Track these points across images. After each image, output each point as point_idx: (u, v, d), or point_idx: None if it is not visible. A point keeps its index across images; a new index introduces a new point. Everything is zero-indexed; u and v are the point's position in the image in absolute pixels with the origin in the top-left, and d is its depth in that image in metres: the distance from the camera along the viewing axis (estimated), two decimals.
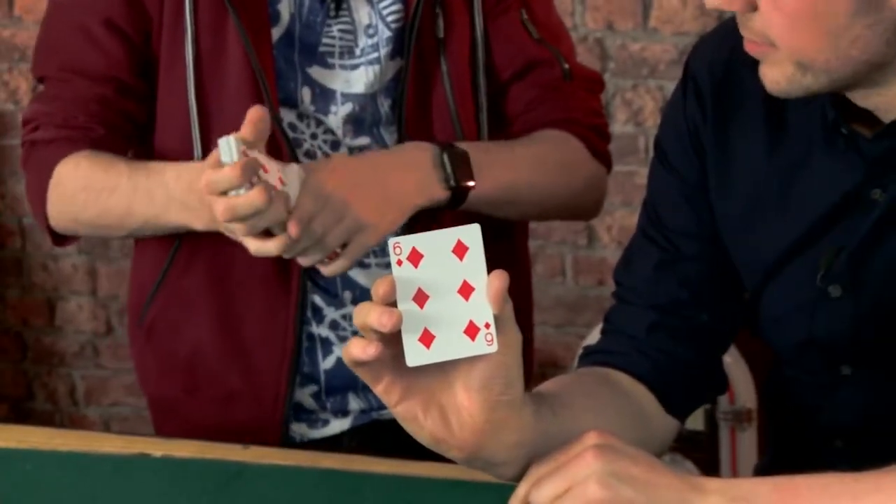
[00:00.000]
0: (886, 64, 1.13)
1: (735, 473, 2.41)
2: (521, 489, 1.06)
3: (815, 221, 1.23)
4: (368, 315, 1.00)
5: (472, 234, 1.01)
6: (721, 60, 1.28)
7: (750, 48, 1.16)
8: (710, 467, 2.39)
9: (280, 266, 1.53)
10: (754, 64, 1.16)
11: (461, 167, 1.49)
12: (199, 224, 1.48)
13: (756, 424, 2.37)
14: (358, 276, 1.57)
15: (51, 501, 1.25)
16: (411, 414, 1.06)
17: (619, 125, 2.84)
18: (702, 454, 2.40)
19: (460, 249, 1.01)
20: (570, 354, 2.86)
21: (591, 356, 1.32)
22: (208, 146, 1.52)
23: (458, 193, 1.50)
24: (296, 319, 1.55)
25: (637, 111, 2.85)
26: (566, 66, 1.63)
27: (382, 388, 1.04)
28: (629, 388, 1.28)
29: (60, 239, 1.62)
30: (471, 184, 1.49)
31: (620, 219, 2.90)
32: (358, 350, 1.01)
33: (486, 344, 1.01)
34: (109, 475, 1.30)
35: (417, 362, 1.00)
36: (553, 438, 1.11)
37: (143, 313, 1.62)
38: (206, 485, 1.27)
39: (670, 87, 2.84)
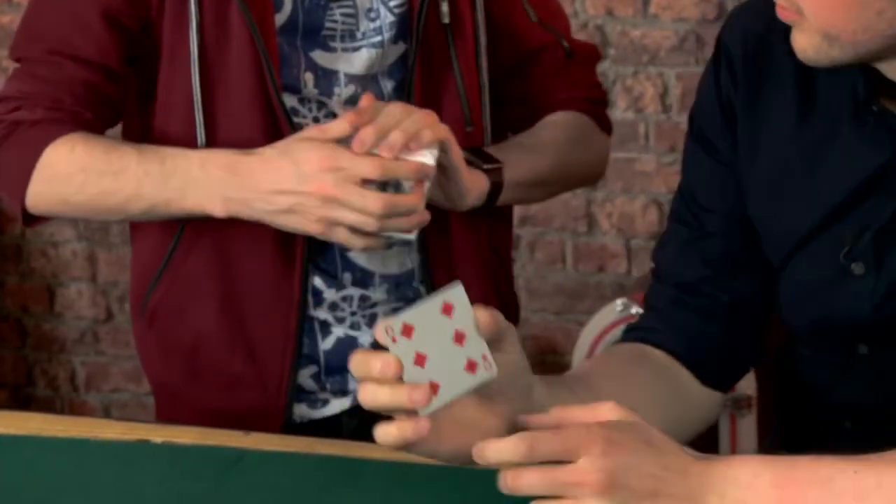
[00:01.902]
0: None
1: None
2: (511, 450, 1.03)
3: (841, 198, 1.23)
4: (394, 398, 1.03)
5: (457, 293, 1.04)
6: (755, 33, 1.28)
7: (781, 14, 1.16)
8: (709, 453, 2.39)
9: (284, 250, 1.53)
10: (787, 38, 1.17)
11: (487, 158, 1.55)
12: (218, 210, 1.47)
13: (756, 411, 2.37)
14: (358, 258, 1.57)
15: (51, 488, 1.25)
16: (431, 448, 1.07)
17: (619, 112, 2.84)
18: (701, 440, 2.41)
19: (448, 309, 1.04)
20: (570, 341, 2.87)
21: (630, 332, 1.35)
22: (212, 133, 1.52)
23: (495, 186, 1.55)
24: (299, 303, 1.55)
25: (637, 98, 2.85)
26: (566, 45, 1.67)
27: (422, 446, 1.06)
28: (665, 363, 1.31)
29: (31, 220, 1.59)
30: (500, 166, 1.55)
31: (620, 205, 2.90)
32: (409, 432, 1.03)
33: (485, 371, 1.04)
34: (110, 461, 1.30)
35: (428, 411, 1.03)
36: None
37: (145, 299, 1.62)
38: (206, 471, 1.27)
39: (671, 73, 2.85)
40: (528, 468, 1.01)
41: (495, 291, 1.68)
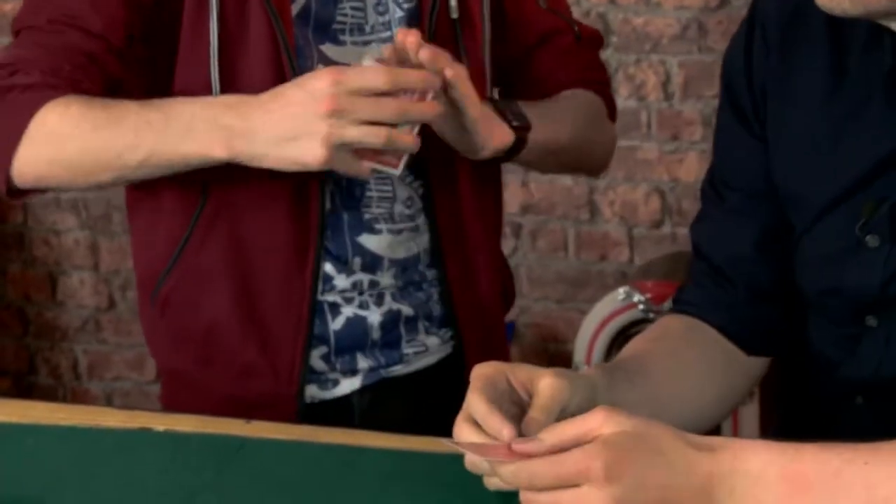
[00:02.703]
0: None
1: None
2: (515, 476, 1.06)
3: (863, 171, 1.23)
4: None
5: None
6: (789, 1, 1.29)
7: None
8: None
9: (298, 238, 1.54)
10: (823, 11, 1.18)
11: (518, 115, 1.55)
12: (219, 149, 1.42)
13: (758, 399, 2.38)
14: (368, 241, 1.58)
15: (53, 476, 1.25)
16: None
17: (621, 100, 2.83)
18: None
19: None
20: (572, 330, 2.87)
21: (676, 304, 1.39)
22: None
23: (519, 140, 1.55)
24: (311, 288, 1.56)
25: (639, 86, 2.85)
26: (577, 29, 1.70)
27: None
28: (712, 335, 1.35)
29: (16, 192, 1.53)
30: (529, 127, 1.55)
31: (622, 193, 2.90)
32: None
33: None
34: (112, 450, 1.30)
35: None
36: (632, 408, 1.13)
37: (157, 288, 1.61)
38: (208, 459, 1.27)
39: (673, 61, 2.85)
40: (540, 495, 1.03)
41: (501, 270, 1.72)
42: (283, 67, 1.49)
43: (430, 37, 1.55)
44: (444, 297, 1.64)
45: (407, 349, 1.63)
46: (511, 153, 1.55)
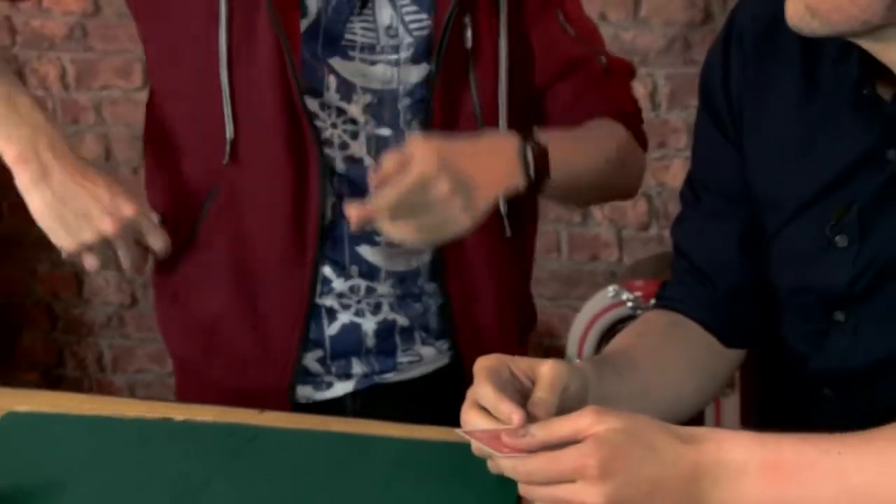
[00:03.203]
0: (888, 26, 1.14)
1: None
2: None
3: (832, 175, 1.23)
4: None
5: None
6: (765, 15, 1.29)
7: None
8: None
9: (298, 239, 1.52)
10: None
11: (541, 160, 1.46)
12: (18, 179, 1.48)
13: (739, 391, 2.37)
14: (366, 252, 1.56)
15: (79, 463, 1.25)
16: None
17: None
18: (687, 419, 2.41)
19: None
20: (565, 325, 2.87)
21: (659, 300, 1.39)
22: (238, 123, 1.50)
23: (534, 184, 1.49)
24: (309, 291, 1.54)
25: None
26: (604, 59, 1.61)
27: None
28: (693, 328, 1.35)
29: None
30: (548, 178, 1.47)
31: None
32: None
33: None
34: (134, 438, 1.30)
35: None
36: (620, 398, 1.17)
37: (168, 281, 1.62)
38: (224, 447, 1.27)
39: (660, 74, 2.85)
40: (537, 488, 1.04)
41: (511, 293, 1.64)
42: (290, 82, 1.48)
43: (438, 66, 1.50)
44: (444, 310, 1.59)
45: (402, 358, 1.60)
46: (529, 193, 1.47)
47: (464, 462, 1.13)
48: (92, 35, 3.02)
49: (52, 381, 3.26)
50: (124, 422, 1.33)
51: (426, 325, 1.60)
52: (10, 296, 3.24)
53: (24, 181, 1.47)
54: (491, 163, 1.42)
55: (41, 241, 3.31)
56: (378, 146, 1.53)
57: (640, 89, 2.83)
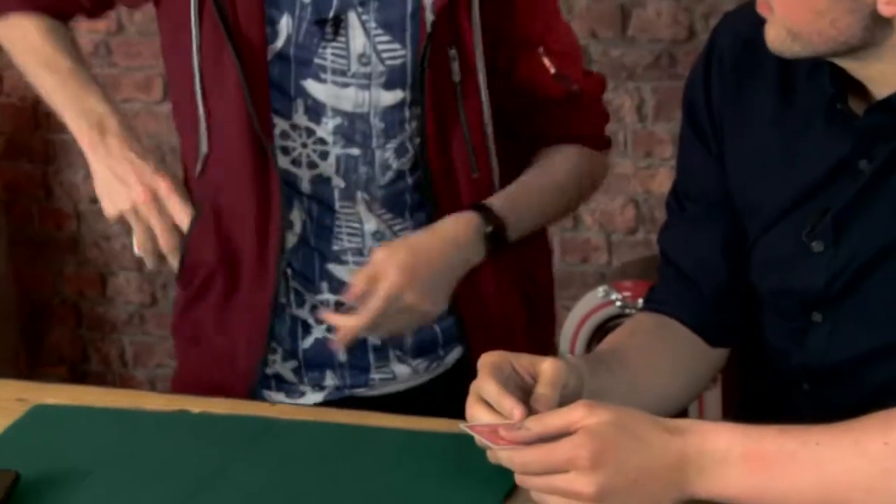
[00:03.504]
0: (864, 47, 1.14)
1: None
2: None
3: (808, 184, 1.23)
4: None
5: None
6: (744, 35, 1.29)
7: (759, 8, 1.18)
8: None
9: (261, 254, 1.50)
10: None
11: (500, 233, 1.48)
12: (82, 144, 1.53)
13: (720, 385, 2.37)
14: (335, 269, 1.53)
15: (102, 452, 1.25)
16: None
17: None
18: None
19: None
20: (558, 323, 2.86)
21: (647, 303, 1.39)
22: (212, 144, 1.51)
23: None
24: (270, 312, 1.51)
25: (617, 109, 2.84)
26: (577, 89, 1.56)
27: None
28: (680, 329, 1.34)
29: None
30: (506, 243, 1.50)
31: (602, 204, 2.90)
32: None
33: None
34: (153, 429, 1.30)
35: None
36: (612, 393, 1.17)
37: (179, 290, 1.63)
38: (238, 438, 1.27)
39: (646, 88, 2.84)
40: (533, 478, 1.04)
41: (524, 330, 1.59)
42: (249, 107, 1.46)
43: (420, 94, 1.46)
44: (418, 330, 1.53)
45: (374, 374, 1.56)
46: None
47: (464, 452, 1.13)
48: (115, 52, 3.02)
49: (78, 375, 3.25)
50: (144, 414, 1.33)
51: (400, 343, 1.55)
52: (39, 295, 3.24)
53: (86, 152, 1.52)
54: (451, 253, 1.45)
55: (68, 244, 3.32)
56: (347, 166, 1.50)
57: (627, 102, 2.83)
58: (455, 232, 1.46)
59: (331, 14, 1.46)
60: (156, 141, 3.00)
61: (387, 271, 1.38)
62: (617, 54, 2.81)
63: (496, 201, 1.50)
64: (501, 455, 1.06)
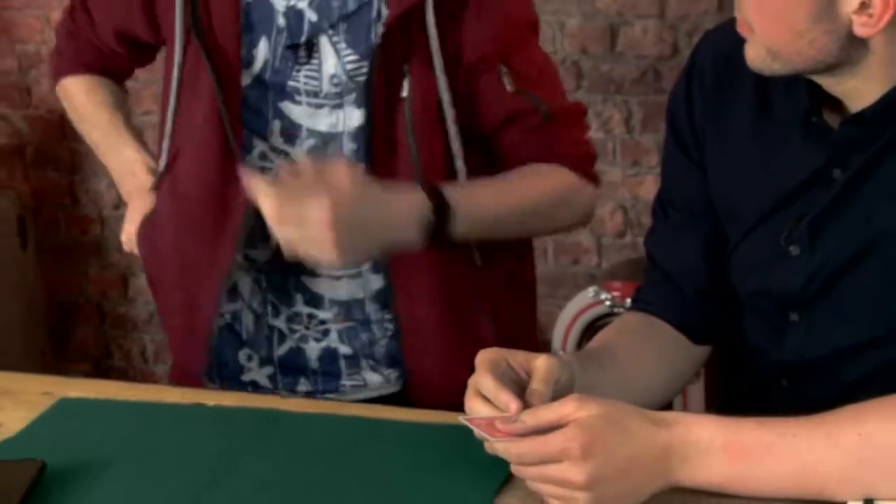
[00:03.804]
0: (841, 65, 1.14)
1: None
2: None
3: (786, 192, 1.23)
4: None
5: None
6: (723, 52, 1.28)
7: (739, 28, 1.17)
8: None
9: (215, 252, 1.49)
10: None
11: (444, 220, 1.38)
12: (120, 190, 1.67)
13: (703, 380, 2.37)
14: (309, 282, 1.51)
15: (123, 443, 1.25)
16: None
17: (591, 132, 2.82)
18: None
19: None
20: (551, 321, 2.86)
21: (635, 303, 1.38)
22: (175, 157, 1.53)
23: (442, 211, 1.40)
24: (216, 301, 1.50)
25: (606, 120, 2.84)
26: (545, 109, 1.48)
27: None
28: (665, 328, 1.34)
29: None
30: (449, 232, 1.40)
31: None
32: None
33: None
34: (171, 421, 1.30)
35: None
36: (601, 387, 1.17)
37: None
38: (250, 429, 1.27)
39: (634, 101, 2.84)
40: (528, 468, 1.04)
41: (467, 323, 1.50)
42: (226, 129, 1.45)
43: (370, 112, 1.42)
44: (396, 338, 1.50)
45: (346, 381, 1.53)
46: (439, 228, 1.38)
47: (463, 443, 1.13)
48: None
49: (101, 371, 3.25)
50: (162, 407, 1.33)
51: (372, 353, 1.52)
52: (65, 296, 3.24)
53: (123, 196, 1.67)
54: (387, 216, 1.35)
55: (92, 249, 3.31)
56: None
57: (616, 114, 2.83)
58: (399, 198, 1.37)
59: (303, 39, 1.44)
60: None
61: (320, 191, 1.27)
62: (606, 69, 2.81)
63: (451, 190, 1.41)
64: (498, 447, 1.06)
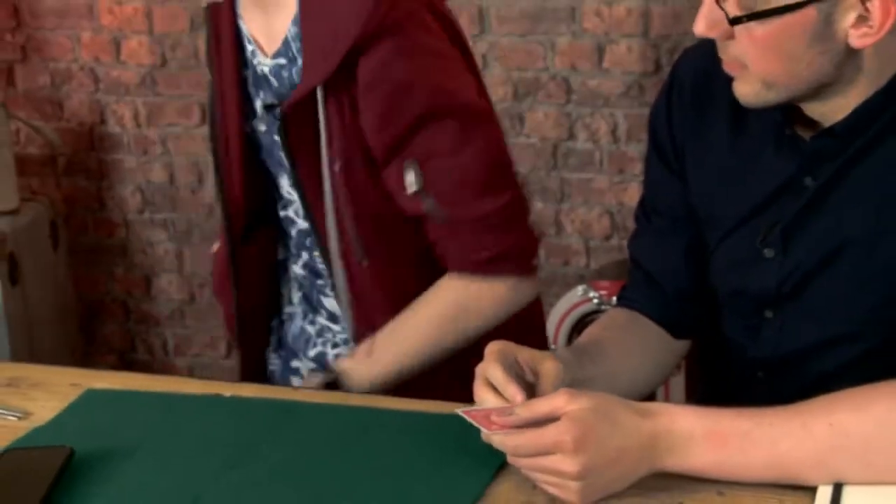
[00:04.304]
0: (833, 83, 1.12)
1: None
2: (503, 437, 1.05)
3: (761, 199, 1.22)
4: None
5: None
6: (702, 68, 1.27)
7: (727, 67, 1.15)
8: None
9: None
10: (726, 75, 1.15)
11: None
12: None
13: (684, 372, 2.36)
14: (325, 301, 1.53)
15: (147, 431, 1.25)
16: None
17: (580, 143, 2.83)
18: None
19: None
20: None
21: (620, 300, 1.37)
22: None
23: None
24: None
25: (594, 132, 2.84)
26: (442, 215, 1.33)
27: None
28: (648, 323, 1.33)
29: None
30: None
31: (581, 214, 2.89)
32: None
33: None
34: (191, 411, 1.29)
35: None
36: (593, 379, 1.17)
37: None
38: (265, 418, 1.26)
39: (619, 114, 2.83)
40: (523, 459, 1.04)
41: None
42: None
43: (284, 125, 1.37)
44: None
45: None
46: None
47: (461, 432, 1.12)
48: (160, 83, 3.02)
49: (126, 363, 3.25)
50: (183, 397, 1.32)
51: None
52: (93, 294, 3.23)
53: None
54: None
55: (118, 250, 3.31)
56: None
57: (603, 125, 2.82)
58: None
59: (275, 100, 1.43)
60: (194, 159, 3.00)
61: None
62: (594, 84, 2.80)
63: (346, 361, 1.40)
64: (494, 439, 1.05)
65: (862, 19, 1.06)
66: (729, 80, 1.14)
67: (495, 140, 1.37)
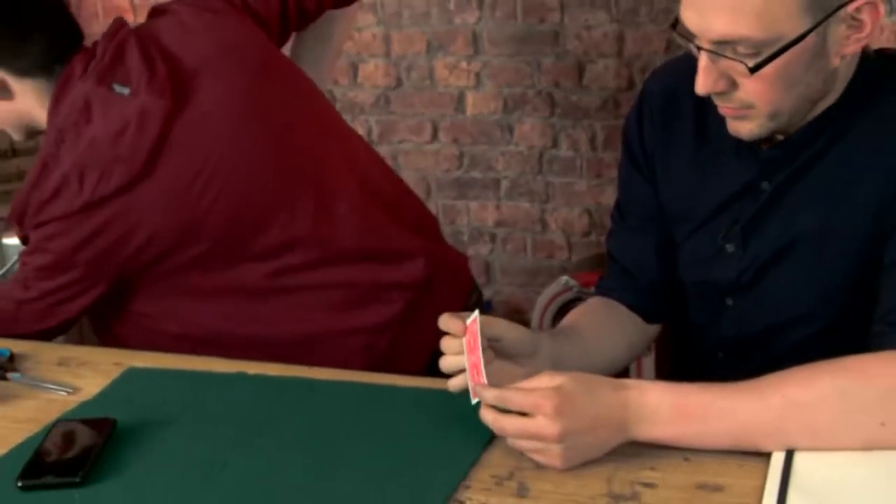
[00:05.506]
0: (818, 99, 1.11)
1: None
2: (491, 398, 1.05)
3: (722, 200, 1.22)
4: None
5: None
6: (670, 85, 1.27)
7: (727, 112, 1.11)
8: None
9: None
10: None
11: None
12: None
13: (654, 353, 2.36)
14: None
15: (181, 404, 1.24)
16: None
17: (563, 150, 2.83)
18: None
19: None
20: (530, 304, 2.86)
21: (598, 289, 1.37)
22: None
23: None
24: None
25: (575, 141, 2.84)
26: None
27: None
28: (623, 310, 1.33)
29: None
30: None
31: (564, 214, 2.89)
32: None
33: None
34: (217, 387, 1.29)
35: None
36: (571, 357, 1.17)
37: None
38: (286, 394, 1.26)
39: (598, 125, 2.83)
40: (505, 416, 1.03)
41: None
42: None
43: None
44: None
45: None
46: None
47: (455, 406, 1.12)
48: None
49: None
50: (210, 375, 1.32)
51: None
52: None
53: None
54: None
55: None
56: None
57: (583, 135, 2.82)
58: None
59: None
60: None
61: None
62: (575, 99, 2.80)
63: None
64: (491, 393, 1.04)
65: (852, 27, 1.04)
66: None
67: None
